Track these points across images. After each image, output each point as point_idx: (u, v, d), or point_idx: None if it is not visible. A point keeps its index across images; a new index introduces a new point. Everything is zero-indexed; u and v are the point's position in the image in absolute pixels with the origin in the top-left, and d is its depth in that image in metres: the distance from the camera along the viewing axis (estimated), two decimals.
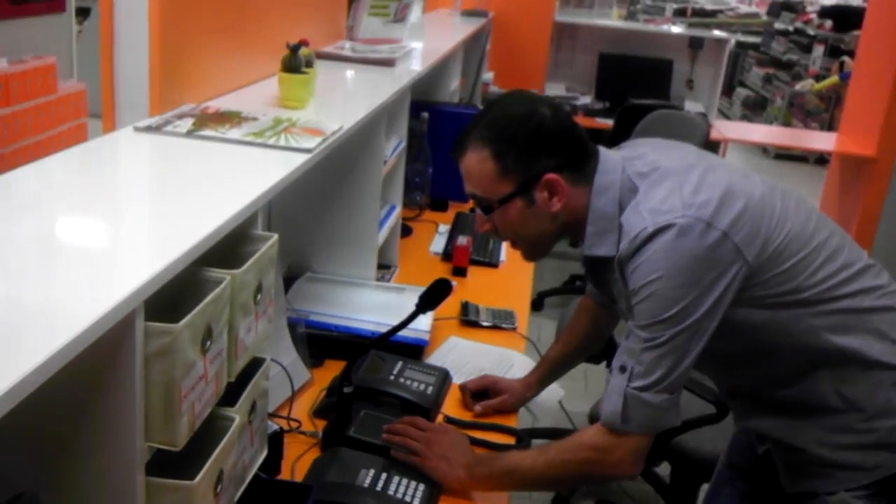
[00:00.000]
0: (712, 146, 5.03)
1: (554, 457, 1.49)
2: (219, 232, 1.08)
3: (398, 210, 2.58)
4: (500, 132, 1.49)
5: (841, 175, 5.68)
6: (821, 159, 8.37)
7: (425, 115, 3.01)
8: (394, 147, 2.44)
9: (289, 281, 2.21)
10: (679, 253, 1.35)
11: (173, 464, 1.02)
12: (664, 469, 2.61)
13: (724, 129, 5.62)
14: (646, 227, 1.38)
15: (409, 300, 2.12)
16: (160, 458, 1.01)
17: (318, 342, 1.98)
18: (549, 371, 1.92)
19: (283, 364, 1.71)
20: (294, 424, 1.70)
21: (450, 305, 2.26)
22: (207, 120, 1.58)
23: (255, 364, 1.25)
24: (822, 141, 6.54)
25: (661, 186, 1.43)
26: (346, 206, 2.24)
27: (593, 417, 2.56)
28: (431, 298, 1.69)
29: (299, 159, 1.43)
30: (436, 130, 3.04)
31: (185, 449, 1.00)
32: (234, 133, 1.52)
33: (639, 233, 1.39)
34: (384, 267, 2.54)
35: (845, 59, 8.49)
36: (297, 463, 1.60)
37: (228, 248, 1.18)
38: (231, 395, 1.15)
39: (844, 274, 1.46)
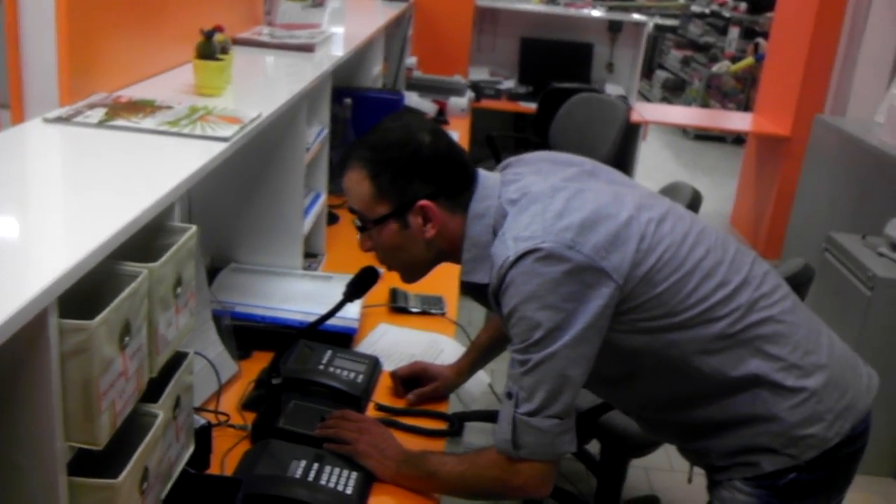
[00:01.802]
0: (633, 128, 5.11)
1: (467, 469, 1.51)
2: (133, 225, 1.05)
3: (323, 198, 2.55)
4: (378, 154, 1.51)
5: (757, 154, 5.84)
6: (738, 139, 8.57)
7: (348, 101, 2.98)
8: (316, 134, 2.41)
9: (213, 272, 2.17)
10: (540, 277, 1.36)
11: (97, 463, 1.00)
12: (594, 446, 2.65)
13: (644, 111, 5.72)
14: (508, 255, 1.39)
15: (337, 288, 2.10)
16: (83, 457, 0.98)
17: (245, 334, 1.94)
18: (478, 356, 1.93)
19: (208, 357, 1.68)
20: (222, 418, 1.68)
21: (378, 292, 2.24)
22: (120, 109, 1.54)
23: (177, 359, 1.22)
24: (738, 121, 6.71)
25: (526, 213, 1.44)
26: (269, 195, 2.20)
27: None
28: (359, 286, 1.68)
29: (217, 148, 1.40)
30: (360, 117, 3.01)
31: (108, 447, 0.97)
32: (148, 122, 1.48)
33: (503, 262, 1.40)
34: (311, 255, 2.52)
35: (760, 40, 8.70)
36: (227, 457, 1.58)
37: (145, 241, 1.15)
38: (154, 391, 1.12)
39: (720, 294, 1.46)
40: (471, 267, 1.52)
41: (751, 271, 1.52)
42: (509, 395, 1.41)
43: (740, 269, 1.51)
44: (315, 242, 2.54)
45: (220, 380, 1.69)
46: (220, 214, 2.21)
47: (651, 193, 1.58)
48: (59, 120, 1.45)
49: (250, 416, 1.70)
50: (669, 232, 1.46)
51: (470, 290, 1.58)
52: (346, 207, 1.59)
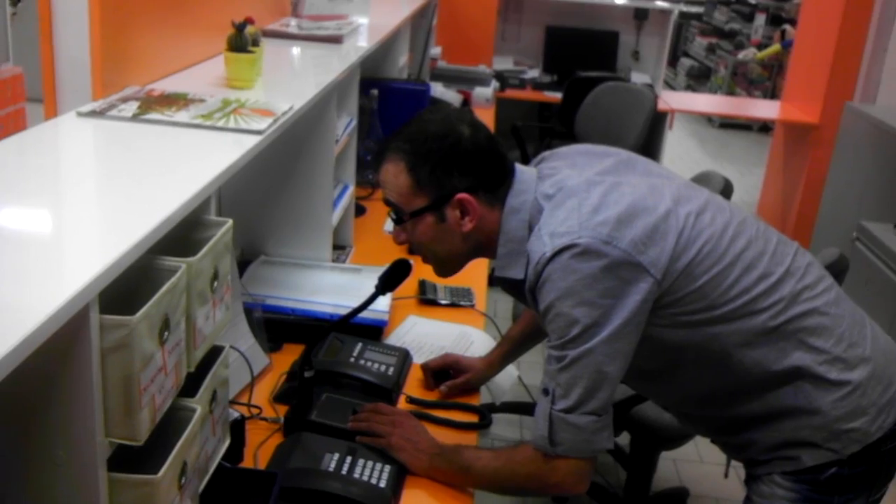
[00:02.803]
0: (658, 117, 5.06)
1: (503, 465, 1.50)
2: (172, 219, 1.04)
3: (351, 189, 2.55)
4: (417, 147, 1.49)
5: (785, 143, 5.77)
6: (764, 127, 8.49)
7: (375, 92, 2.97)
8: (345, 126, 2.41)
9: (243, 265, 2.17)
10: (577, 273, 1.34)
11: (136, 458, 1.00)
12: (624, 438, 2.64)
13: (669, 99, 5.67)
14: (545, 251, 1.38)
15: (366, 280, 2.10)
16: (122, 452, 0.98)
17: (276, 326, 1.94)
18: (510, 349, 1.92)
19: (241, 350, 1.68)
20: (255, 411, 1.68)
21: (407, 284, 2.22)
22: (153, 103, 1.54)
23: (214, 352, 1.22)
24: (766, 109, 6.63)
25: (562, 208, 1.42)
26: (298, 188, 2.20)
27: None
28: (391, 279, 1.67)
29: (250, 141, 1.39)
30: (386, 107, 3.01)
31: (147, 442, 0.97)
32: (182, 116, 1.47)
33: (539, 259, 1.39)
34: (339, 248, 2.52)
35: (786, 27, 8.61)
36: (260, 450, 1.58)
37: (182, 235, 1.15)
38: (191, 385, 1.12)
39: (762, 286, 1.44)
40: (506, 262, 1.51)
41: (793, 262, 1.49)
42: (546, 392, 1.40)
43: (782, 260, 1.49)
44: (343, 234, 2.54)
45: (252, 372, 1.69)
46: (249, 207, 2.21)
47: (689, 184, 1.56)
48: (93, 114, 1.45)
49: (282, 409, 1.70)
50: (709, 224, 1.44)
51: (504, 285, 1.57)
52: (382, 200, 1.57)
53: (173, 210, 1.05)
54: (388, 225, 2.77)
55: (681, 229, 1.41)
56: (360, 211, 2.81)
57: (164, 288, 0.96)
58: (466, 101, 4.66)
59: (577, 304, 1.34)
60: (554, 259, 1.36)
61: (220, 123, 1.46)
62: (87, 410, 0.89)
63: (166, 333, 0.97)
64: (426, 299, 2.24)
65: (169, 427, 1.07)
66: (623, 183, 1.45)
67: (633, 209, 1.39)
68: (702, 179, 2.77)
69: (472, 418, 1.77)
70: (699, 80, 10.01)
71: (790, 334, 1.44)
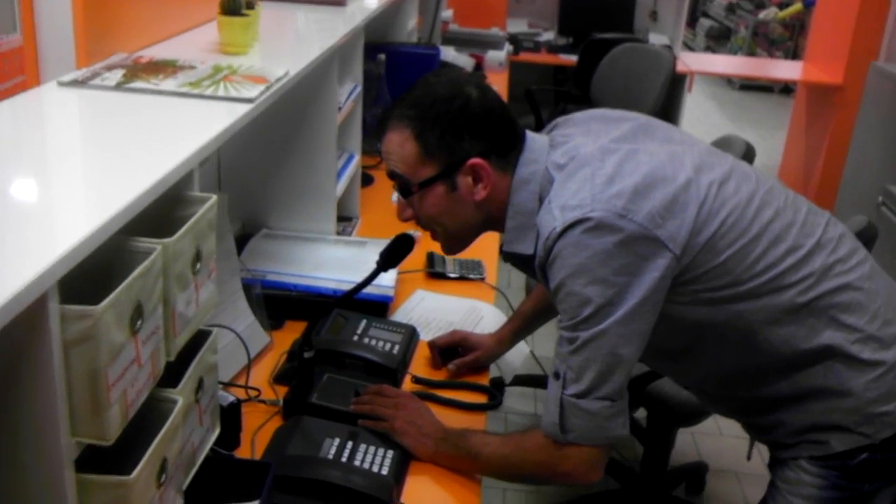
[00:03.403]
0: (677, 80, 4.93)
1: (512, 452, 1.42)
2: (145, 197, 0.96)
3: (357, 159, 2.46)
4: (423, 112, 1.40)
5: (807, 104, 5.62)
6: (786, 89, 8.32)
7: (382, 56, 2.87)
8: (349, 92, 2.31)
9: (244, 239, 2.10)
10: (589, 249, 1.25)
11: (112, 455, 0.92)
12: (640, 412, 2.56)
13: (688, 61, 5.52)
14: (555, 227, 1.28)
15: (371, 254, 2.02)
16: (95, 451, 0.91)
17: (277, 303, 1.87)
18: (521, 325, 1.84)
19: (237, 331, 1.61)
20: (253, 393, 1.61)
21: (415, 257, 2.15)
22: (139, 70, 1.45)
23: (200, 337, 1.14)
24: (787, 70, 6.46)
25: (573, 178, 1.33)
26: (300, 158, 2.12)
27: None
28: (392, 255, 1.58)
29: (240, 110, 1.30)
30: (394, 73, 2.91)
31: (123, 437, 0.90)
32: (169, 84, 1.39)
33: (549, 234, 1.29)
34: (345, 219, 2.43)
35: None
36: (258, 434, 1.51)
37: (163, 212, 1.07)
38: (175, 373, 1.05)
39: (791, 259, 1.34)
40: (514, 236, 1.42)
41: (824, 233, 1.40)
42: (557, 376, 1.32)
43: (813, 231, 1.39)
44: (349, 205, 2.45)
45: (249, 354, 1.61)
46: (250, 179, 2.13)
47: (712, 150, 1.46)
48: (75, 83, 1.37)
49: (282, 390, 1.63)
50: (733, 193, 1.35)
51: (512, 260, 1.48)
52: (387, 173, 1.48)
53: (147, 187, 0.97)
54: (396, 195, 2.69)
55: (702, 200, 1.31)
56: (367, 181, 2.73)
57: (135, 273, 0.88)
58: (479, 66, 4.55)
59: (589, 283, 1.25)
60: (565, 234, 1.27)
61: (209, 92, 1.37)
62: (50, 409, 0.81)
63: (139, 322, 0.89)
64: (434, 272, 2.16)
65: (149, 419, 0.99)
66: (640, 150, 1.36)
67: (650, 179, 1.30)
68: (722, 144, 2.66)
69: (480, 398, 1.69)
70: (719, 40, 9.78)
71: (821, 311, 1.35)
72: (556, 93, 5.40)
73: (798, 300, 1.34)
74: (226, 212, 1.74)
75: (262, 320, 1.80)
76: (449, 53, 4.30)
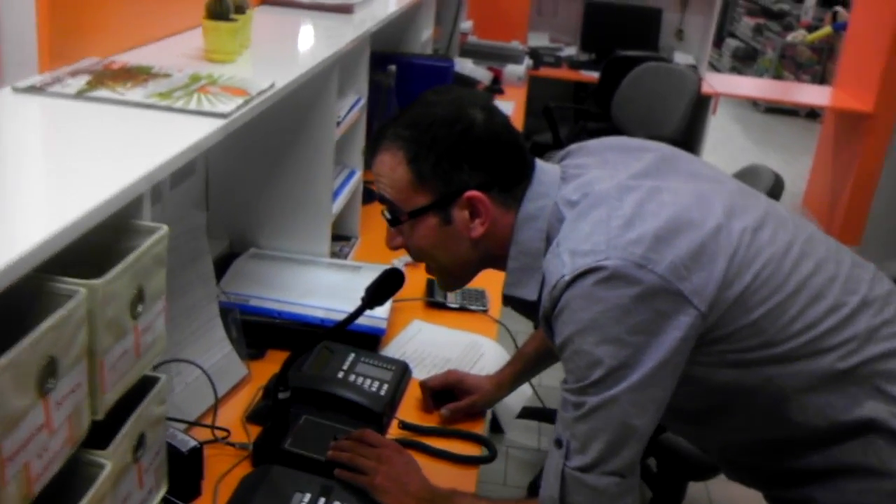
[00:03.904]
0: (701, 101, 4.76)
1: None
2: (73, 229, 0.82)
3: (358, 175, 2.32)
4: (419, 133, 1.25)
5: (836, 131, 5.44)
6: (812, 113, 8.12)
7: (392, 67, 2.72)
8: (351, 105, 2.17)
9: (229, 258, 1.95)
10: (602, 303, 1.09)
11: None
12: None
13: (714, 82, 5.36)
14: (563, 274, 1.13)
15: (365, 280, 1.86)
16: None
17: (259, 330, 1.73)
18: (523, 368, 1.67)
19: (205, 367, 1.46)
20: (221, 434, 1.46)
21: (414, 284, 2.01)
22: (107, 77, 1.31)
23: (145, 385, 1.00)
24: (816, 95, 6.26)
25: (586, 219, 1.17)
26: (295, 173, 1.97)
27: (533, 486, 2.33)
28: (379, 292, 1.43)
29: (210, 126, 1.16)
30: (405, 85, 2.76)
31: None
32: (136, 94, 1.25)
33: (557, 282, 1.13)
34: (343, 238, 2.29)
35: (838, 9, 8.19)
36: (222, 481, 1.36)
37: (105, 245, 0.93)
38: (109, 430, 0.91)
39: (832, 320, 1.18)
40: (516, 279, 1.27)
41: (870, 290, 1.23)
42: (559, 443, 1.16)
43: (857, 287, 1.22)
44: (348, 224, 2.31)
45: (216, 392, 1.46)
46: (240, 193, 1.99)
47: (744, 190, 1.30)
48: (32, 90, 1.23)
49: (255, 430, 1.49)
50: (769, 242, 1.18)
51: (514, 304, 1.32)
52: (376, 195, 1.33)
53: (76, 217, 0.83)
54: None
55: (734, 249, 1.15)
56: (369, 197, 2.57)
57: (46, 324, 0.73)
58: (497, 79, 4.40)
59: (601, 341, 1.10)
60: (574, 284, 1.11)
61: (179, 104, 1.23)
62: None
63: (51, 381, 0.75)
64: (434, 302, 2.01)
65: (73, 487, 0.85)
66: (663, 189, 1.20)
67: (674, 223, 1.14)
68: (749, 174, 2.49)
69: (474, 449, 1.54)
70: (745, 62, 9.60)
71: (863, 379, 1.18)
72: (575, 110, 5.25)
73: (838, 366, 1.17)
74: (204, 232, 1.60)
75: (241, 350, 1.66)
76: (466, 66, 4.16)
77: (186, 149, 1.06)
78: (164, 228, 0.95)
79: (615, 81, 4.60)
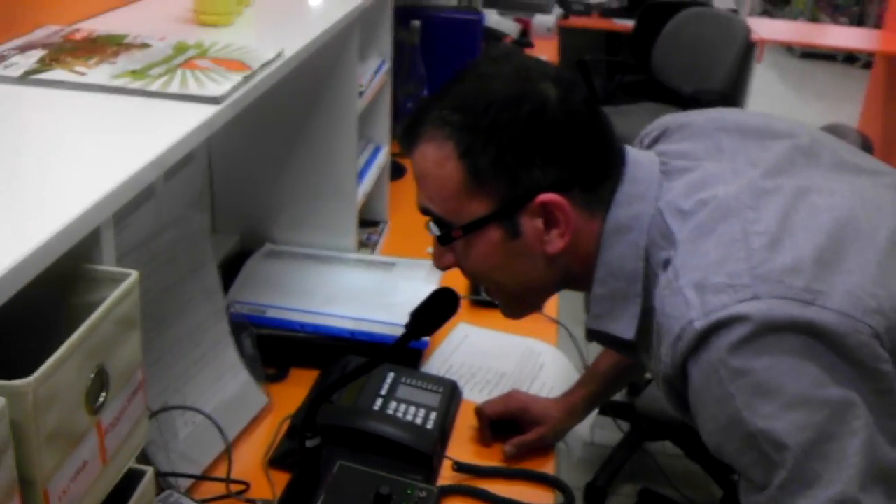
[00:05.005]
0: (749, 50, 4.39)
1: None
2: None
3: (385, 150, 2.01)
4: (474, 118, 0.94)
5: (886, 77, 5.05)
6: (850, 57, 7.70)
7: (417, 23, 2.41)
8: (374, 70, 1.86)
9: (241, 258, 1.67)
10: (761, 372, 0.79)
11: None
12: None
13: (755, 26, 4.97)
14: (690, 321, 0.83)
15: (401, 280, 1.63)
16: None
17: (280, 346, 1.46)
18: (599, 388, 1.37)
19: (205, 413, 1.18)
20: (237, 488, 1.18)
21: (457, 279, 1.72)
22: (66, 52, 1.01)
23: (132, 478, 0.72)
24: (861, 38, 5.85)
25: (711, 237, 0.87)
26: (312, 155, 1.68)
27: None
28: (428, 317, 1.12)
29: (199, 117, 0.86)
30: (431, 42, 2.45)
31: None
32: (100, 74, 0.94)
33: (680, 333, 0.84)
34: (371, 223, 2.00)
35: None
36: None
37: (54, 298, 0.64)
38: None
39: None
40: (604, 308, 0.97)
41: None
42: None
43: None
44: (376, 208, 2.01)
45: (226, 440, 1.18)
46: (250, 181, 1.70)
47: None
48: None
49: (281, 478, 1.21)
50: None
51: (602, 340, 1.02)
52: (418, 205, 1.03)
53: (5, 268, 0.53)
54: None
55: None
56: (397, 172, 2.27)
57: None
58: (525, 31, 4.07)
59: (778, 412, 0.79)
60: (710, 341, 0.81)
61: (156, 86, 0.92)
62: None
63: None
64: (479, 300, 1.71)
65: None
66: (811, 189, 0.90)
67: (838, 237, 0.84)
68: (831, 133, 2.17)
69: (547, 495, 1.25)
70: (777, 4, 9.14)
71: None
72: (609, 63, 4.89)
73: None
74: (207, 236, 1.32)
75: (258, 372, 1.38)
76: (492, 17, 3.83)
77: (165, 152, 0.76)
78: (134, 275, 0.66)
79: (652, 30, 4.26)
